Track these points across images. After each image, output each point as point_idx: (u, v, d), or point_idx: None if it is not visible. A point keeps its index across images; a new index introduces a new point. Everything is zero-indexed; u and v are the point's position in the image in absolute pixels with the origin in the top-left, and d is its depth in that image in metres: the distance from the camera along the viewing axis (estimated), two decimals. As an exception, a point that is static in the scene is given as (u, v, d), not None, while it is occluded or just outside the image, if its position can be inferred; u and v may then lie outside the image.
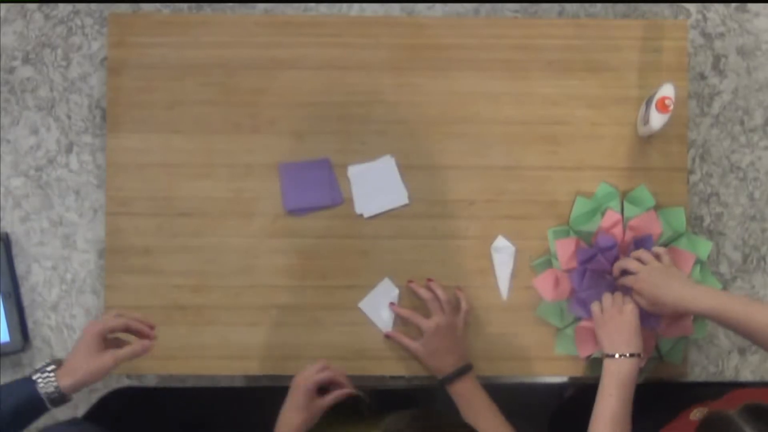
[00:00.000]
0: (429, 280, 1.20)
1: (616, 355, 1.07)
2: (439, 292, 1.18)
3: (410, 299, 1.22)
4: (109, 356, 0.95)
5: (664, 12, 1.29)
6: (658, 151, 1.23)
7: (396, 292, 1.21)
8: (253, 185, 1.22)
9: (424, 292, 1.18)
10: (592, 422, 1.04)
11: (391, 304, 1.20)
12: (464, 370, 1.14)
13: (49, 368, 0.93)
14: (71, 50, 1.28)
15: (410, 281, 1.20)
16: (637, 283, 1.10)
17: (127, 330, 0.99)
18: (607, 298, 1.14)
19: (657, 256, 1.13)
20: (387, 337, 1.20)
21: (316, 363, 1.09)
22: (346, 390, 1.10)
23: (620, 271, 1.15)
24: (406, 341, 1.18)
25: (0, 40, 1.28)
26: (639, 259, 1.13)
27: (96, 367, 0.94)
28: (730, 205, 1.28)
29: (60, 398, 0.93)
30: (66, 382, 0.92)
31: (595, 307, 1.13)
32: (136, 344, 0.97)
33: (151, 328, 1.00)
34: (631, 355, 1.07)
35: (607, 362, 1.08)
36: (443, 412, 0.84)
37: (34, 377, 0.92)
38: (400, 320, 1.21)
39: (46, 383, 0.92)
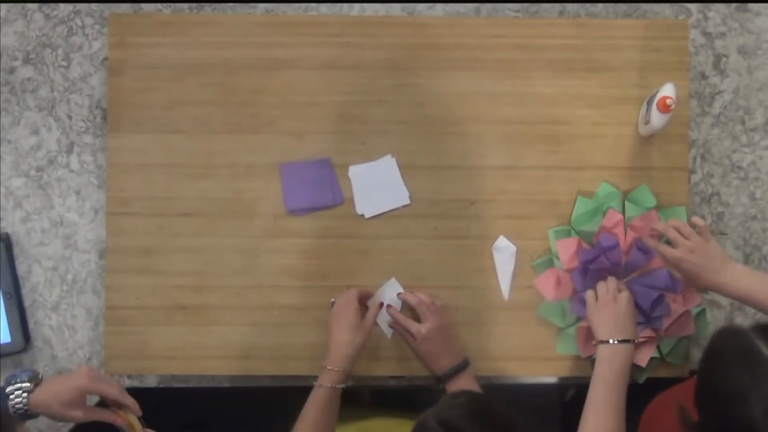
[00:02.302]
0: (399, 294, 1.20)
1: (610, 341, 1.07)
2: (422, 296, 1.17)
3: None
4: (80, 413, 0.94)
5: (665, 12, 1.29)
6: (659, 151, 1.23)
7: (401, 292, 1.21)
8: (254, 185, 1.22)
9: (411, 298, 1.18)
10: (585, 408, 1.04)
11: (388, 306, 1.20)
12: (460, 368, 1.14)
13: (24, 385, 0.92)
14: (72, 50, 1.28)
15: (399, 293, 1.21)
16: (677, 258, 1.07)
17: (113, 402, 0.97)
18: (601, 286, 1.14)
19: (695, 227, 1.08)
20: (392, 327, 1.20)
21: (344, 293, 1.15)
22: (377, 305, 1.18)
23: (656, 234, 1.12)
24: (408, 337, 1.18)
25: (0, 40, 1.28)
26: (679, 231, 1.08)
27: (65, 415, 0.94)
28: (731, 205, 1.28)
29: (24, 416, 0.92)
30: (34, 406, 0.92)
31: (589, 293, 1.14)
32: (112, 415, 0.96)
33: (137, 415, 0.98)
34: (626, 341, 1.07)
35: (601, 348, 1.08)
36: (493, 397, 0.86)
37: (8, 390, 0.91)
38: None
39: (16, 401, 0.91)
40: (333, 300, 1.17)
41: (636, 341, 1.09)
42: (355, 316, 1.13)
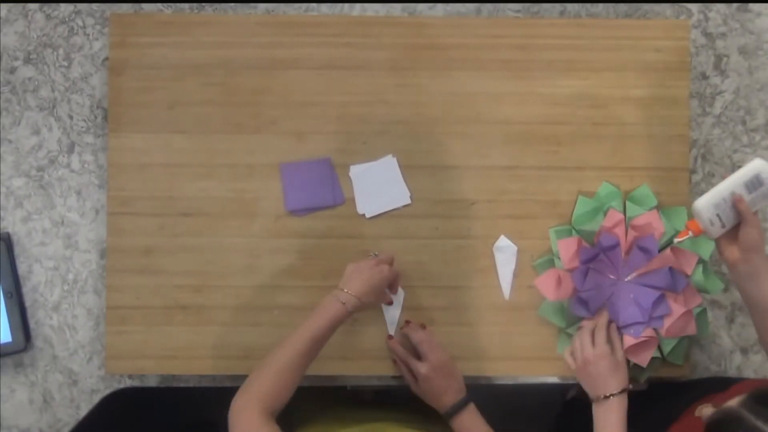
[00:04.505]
0: (408, 322, 1.20)
1: (601, 397, 1.06)
2: (421, 334, 1.17)
3: (417, 300, 1.21)
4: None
5: (666, 12, 1.29)
6: (660, 151, 1.23)
7: (402, 294, 1.21)
8: (255, 185, 1.22)
9: (414, 335, 1.17)
10: None
11: (389, 337, 1.20)
12: (462, 404, 1.12)
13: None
14: (73, 50, 1.28)
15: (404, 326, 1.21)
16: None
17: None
18: (575, 342, 1.12)
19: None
20: (390, 343, 1.20)
21: (385, 263, 1.14)
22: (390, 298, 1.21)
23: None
24: (408, 376, 1.17)
25: (1, 40, 1.28)
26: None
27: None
28: (732, 205, 1.28)
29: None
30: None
31: (566, 355, 1.13)
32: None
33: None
34: (615, 394, 1.06)
35: (594, 407, 1.07)
36: None
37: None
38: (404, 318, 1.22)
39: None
40: (375, 254, 1.17)
41: (628, 388, 1.07)
42: (384, 285, 1.13)
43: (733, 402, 0.78)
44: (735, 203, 0.99)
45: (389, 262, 1.15)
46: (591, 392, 1.08)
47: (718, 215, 1.00)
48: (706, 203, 1.00)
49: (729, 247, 1.00)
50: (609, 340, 1.11)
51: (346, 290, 1.07)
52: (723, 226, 1.00)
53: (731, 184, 1.00)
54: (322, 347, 1.04)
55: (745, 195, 0.99)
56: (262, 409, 0.94)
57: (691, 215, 1.06)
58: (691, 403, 1.05)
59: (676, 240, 1.06)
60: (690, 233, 1.03)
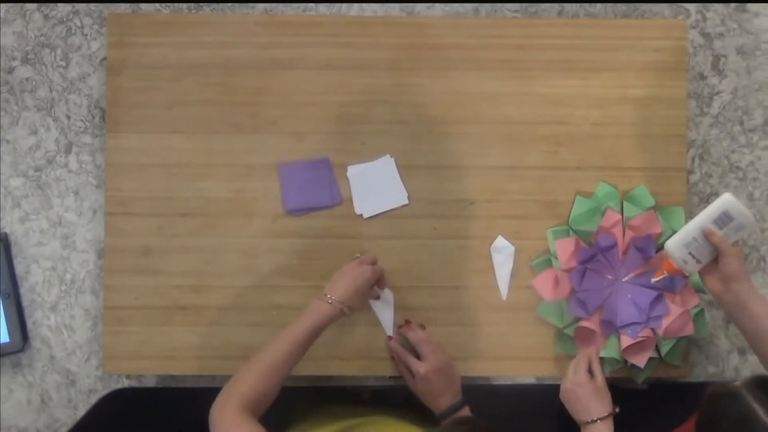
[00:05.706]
0: (407, 322, 1.20)
1: (586, 422, 1.07)
2: (421, 334, 1.17)
3: (414, 300, 1.21)
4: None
5: (664, 12, 1.29)
6: (658, 151, 1.23)
7: (391, 294, 1.21)
8: (253, 185, 1.22)
9: (412, 335, 1.17)
10: None
11: (389, 337, 1.21)
12: (458, 406, 1.13)
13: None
14: (70, 50, 1.28)
15: (403, 325, 1.21)
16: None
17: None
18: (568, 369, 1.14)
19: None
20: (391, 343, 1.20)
21: (367, 263, 1.15)
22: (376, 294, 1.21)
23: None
24: (407, 375, 1.18)
25: (-1, 40, 1.28)
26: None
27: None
28: (729, 205, 1.28)
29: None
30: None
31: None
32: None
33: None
34: (601, 418, 1.07)
35: (582, 429, 1.08)
36: (495, 428, 0.86)
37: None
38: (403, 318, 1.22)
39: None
40: (358, 255, 1.17)
41: (614, 412, 1.08)
42: (369, 287, 1.14)
43: (738, 381, 0.80)
44: (708, 237, 1.00)
45: (371, 262, 1.16)
46: (576, 417, 1.09)
47: (690, 253, 1.01)
48: (675, 244, 1.02)
49: (711, 279, 1.02)
50: (590, 369, 1.12)
51: (329, 296, 1.07)
52: (699, 262, 1.01)
53: (700, 222, 1.01)
54: (306, 350, 1.04)
55: (716, 231, 1.00)
56: (244, 407, 0.94)
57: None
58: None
59: (653, 280, 1.09)
60: (665, 273, 1.05)
